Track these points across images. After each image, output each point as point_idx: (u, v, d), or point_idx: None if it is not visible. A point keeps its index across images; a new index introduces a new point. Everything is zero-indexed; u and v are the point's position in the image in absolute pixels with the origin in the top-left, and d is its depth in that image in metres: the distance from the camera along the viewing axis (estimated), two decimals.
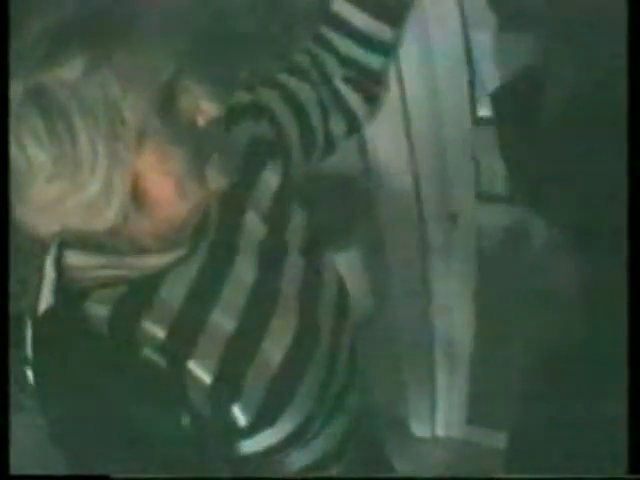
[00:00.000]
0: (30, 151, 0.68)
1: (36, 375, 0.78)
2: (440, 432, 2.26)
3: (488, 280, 1.77)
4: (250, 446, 0.87)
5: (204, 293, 0.84)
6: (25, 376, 0.79)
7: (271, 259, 0.91)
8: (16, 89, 0.66)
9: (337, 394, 0.97)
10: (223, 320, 0.84)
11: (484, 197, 1.49)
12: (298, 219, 0.99)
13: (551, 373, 1.27)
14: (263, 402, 0.85)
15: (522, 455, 1.24)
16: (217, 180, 0.77)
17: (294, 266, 0.94)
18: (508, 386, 1.79)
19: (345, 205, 1.61)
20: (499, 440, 2.02)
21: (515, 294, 1.84)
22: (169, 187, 0.75)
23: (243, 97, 1.00)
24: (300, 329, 0.90)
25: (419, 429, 2.22)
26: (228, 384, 0.83)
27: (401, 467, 1.35)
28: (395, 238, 1.64)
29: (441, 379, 1.97)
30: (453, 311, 1.85)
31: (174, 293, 0.82)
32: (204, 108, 0.74)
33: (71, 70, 0.66)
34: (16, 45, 0.67)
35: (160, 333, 0.79)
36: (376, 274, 1.77)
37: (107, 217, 0.72)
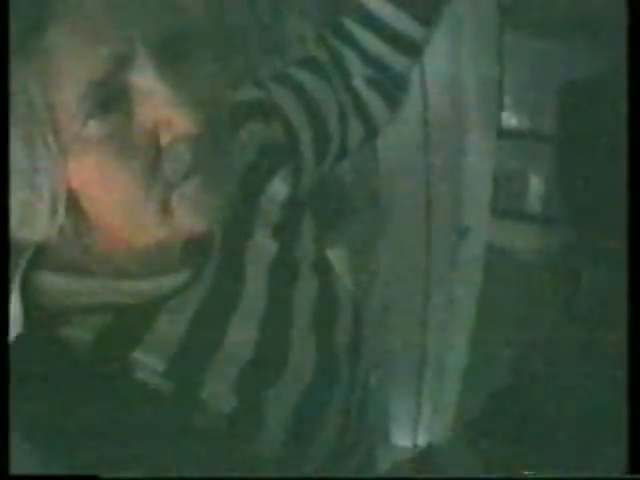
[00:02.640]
0: None
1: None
2: (422, 441, 2.18)
3: (491, 297, 1.69)
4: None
5: (210, 324, 0.70)
6: None
7: (282, 281, 0.80)
8: None
9: (354, 434, 0.87)
10: (234, 352, 0.71)
11: (501, 214, 1.42)
12: (309, 232, 0.88)
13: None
14: (284, 442, 0.73)
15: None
16: (189, 216, 0.61)
17: (307, 288, 0.83)
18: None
19: (350, 206, 1.54)
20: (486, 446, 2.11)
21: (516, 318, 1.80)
22: (117, 207, 0.60)
23: (252, 93, 0.88)
24: (319, 363, 0.79)
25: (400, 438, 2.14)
26: (246, 419, 0.70)
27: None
28: (400, 245, 1.56)
29: (427, 388, 1.94)
30: (449, 326, 1.77)
31: (173, 325, 0.68)
32: (171, 120, 0.56)
33: None
34: None
35: (159, 364, 0.65)
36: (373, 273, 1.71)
37: (39, 229, 0.59)
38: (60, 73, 0.52)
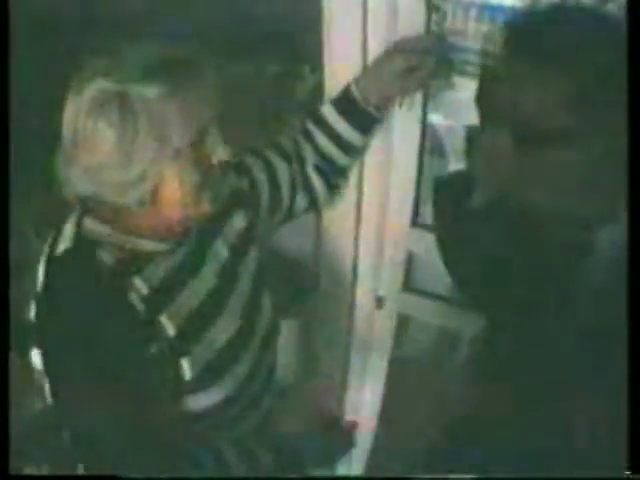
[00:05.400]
0: (100, 126, 0.94)
1: (40, 308, 1.02)
2: None
3: (401, 367, 1.92)
4: (193, 401, 1.14)
5: (178, 278, 1.11)
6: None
7: (226, 280, 1.19)
8: (104, 88, 0.93)
9: (258, 389, 1.26)
10: (189, 300, 1.12)
11: (412, 290, 1.69)
12: (253, 260, 1.26)
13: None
14: (206, 366, 1.12)
15: None
16: (207, 205, 1.04)
17: (241, 291, 1.22)
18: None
19: (295, 280, 1.83)
20: None
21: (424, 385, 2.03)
22: (177, 196, 1.01)
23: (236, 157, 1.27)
24: (239, 330, 1.19)
25: None
26: (183, 341, 1.10)
27: None
28: (327, 317, 1.83)
29: None
30: (365, 392, 1.98)
31: (157, 271, 1.09)
32: (220, 154, 1.01)
33: (151, 90, 0.94)
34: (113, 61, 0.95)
35: (145, 290, 1.06)
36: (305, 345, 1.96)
37: (130, 197, 0.98)
38: (185, 117, 0.97)
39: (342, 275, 1.71)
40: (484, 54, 1.23)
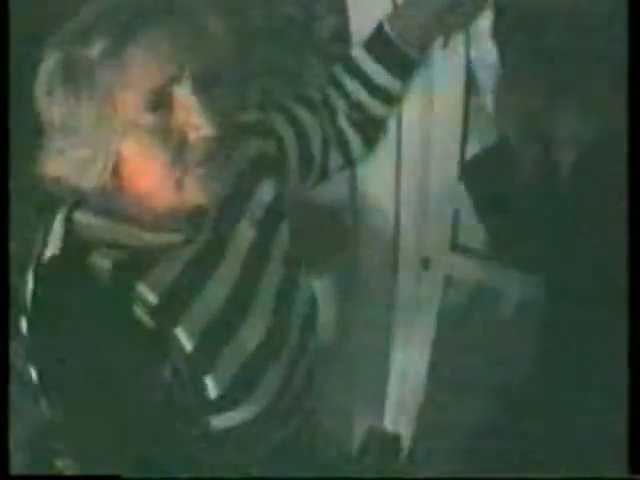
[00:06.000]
0: (48, 102, 0.81)
1: (31, 322, 0.86)
2: None
3: (449, 329, 1.84)
4: (219, 421, 0.98)
5: (194, 278, 0.93)
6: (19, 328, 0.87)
7: (254, 264, 1.01)
8: (52, 59, 0.79)
9: (295, 395, 1.08)
10: (208, 304, 0.94)
11: (459, 249, 1.57)
12: (285, 235, 1.08)
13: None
14: (233, 381, 0.95)
15: None
16: (195, 194, 0.86)
17: (273, 275, 1.04)
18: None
19: (329, 236, 1.71)
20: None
21: (473, 347, 1.95)
22: (148, 181, 0.85)
23: (256, 116, 1.10)
24: (271, 328, 1.01)
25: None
26: (205, 356, 0.93)
27: None
28: (369, 275, 1.71)
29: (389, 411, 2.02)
30: (410, 354, 1.90)
31: (167, 273, 0.91)
32: (198, 125, 0.81)
33: (94, 48, 0.77)
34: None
35: (153, 299, 0.88)
36: (345, 306, 1.85)
37: (87, 181, 0.83)
38: (132, 79, 0.77)
39: (383, 235, 1.59)
40: None
